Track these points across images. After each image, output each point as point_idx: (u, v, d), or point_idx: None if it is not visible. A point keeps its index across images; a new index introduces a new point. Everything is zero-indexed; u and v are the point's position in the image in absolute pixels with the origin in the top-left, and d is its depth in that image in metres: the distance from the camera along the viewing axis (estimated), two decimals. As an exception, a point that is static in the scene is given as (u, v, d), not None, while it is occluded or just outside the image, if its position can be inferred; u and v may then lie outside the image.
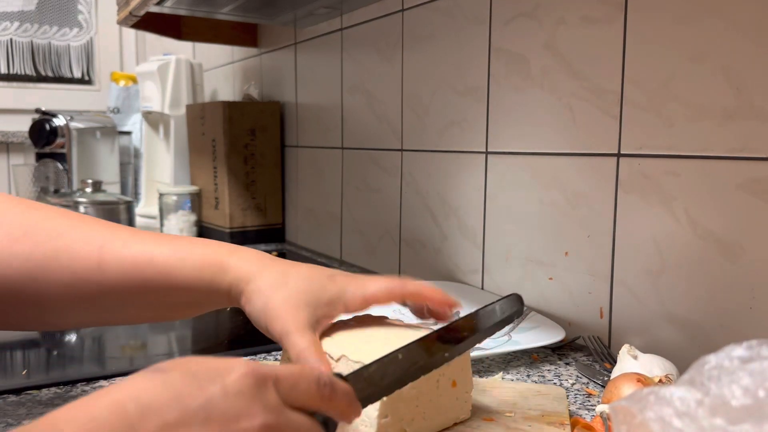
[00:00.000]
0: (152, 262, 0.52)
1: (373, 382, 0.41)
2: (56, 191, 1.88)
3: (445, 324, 0.51)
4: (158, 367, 0.32)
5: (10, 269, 0.51)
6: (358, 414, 0.39)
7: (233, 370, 0.32)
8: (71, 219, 0.54)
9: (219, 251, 0.54)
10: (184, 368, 0.32)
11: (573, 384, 0.67)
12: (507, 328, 0.80)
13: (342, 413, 0.37)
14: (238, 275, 0.53)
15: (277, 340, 0.50)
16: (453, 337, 0.49)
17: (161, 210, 1.61)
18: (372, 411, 0.47)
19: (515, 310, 0.55)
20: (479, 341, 0.52)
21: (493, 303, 0.55)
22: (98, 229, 0.54)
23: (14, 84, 2.40)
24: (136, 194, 2.09)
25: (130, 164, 2.13)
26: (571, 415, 0.57)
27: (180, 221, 1.60)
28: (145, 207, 1.87)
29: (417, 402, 0.50)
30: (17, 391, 0.63)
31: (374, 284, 0.54)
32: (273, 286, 0.51)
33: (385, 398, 0.46)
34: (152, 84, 1.77)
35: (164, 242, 0.54)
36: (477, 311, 0.53)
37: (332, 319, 0.53)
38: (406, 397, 0.48)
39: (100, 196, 1.60)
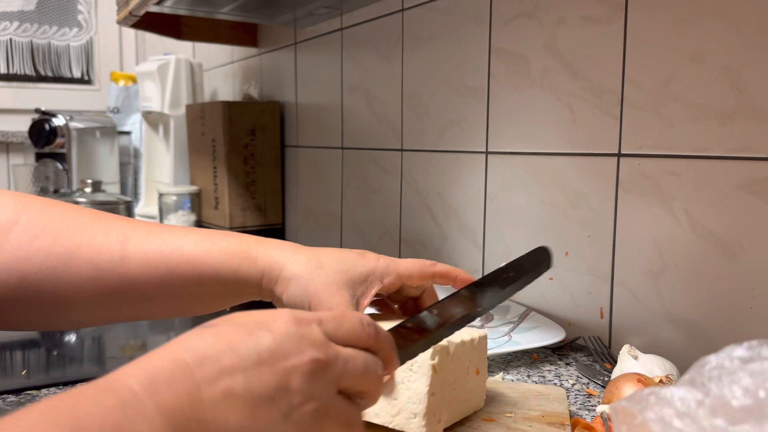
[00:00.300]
0: (177, 252, 0.52)
1: (411, 337, 0.42)
2: (56, 191, 1.88)
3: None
4: (207, 324, 0.33)
5: (30, 266, 0.50)
6: (398, 364, 0.39)
7: (278, 318, 0.34)
8: (91, 215, 0.54)
9: (246, 241, 0.54)
10: (231, 321, 0.33)
11: (573, 384, 0.67)
12: (507, 328, 0.80)
13: (386, 356, 0.38)
14: (268, 263, 0.53)
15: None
16: (483, 291, 0.50)
17: (161, 210, 1.61)
18: (422, 386, 0.47)
19: (544, 262, 0.56)
20: (509, 295, 0.53)
21: (520, 257, 0.55)
22: (119, 224, 0.53)
23: (14, 84, 2.40)
24: (136, 194, 2.09)
25: (129, 164, 2.13)
26: (571, 415, 0.57)
27: (180, 221, 1.59)
28: (145, 207, 1.87)
29: (454, 386, 0.51)
30: (17, 391, 0.63)
31: (405, 263, 0.54)
32: (309, 270, 0.52)
33: (433, 373, 0.47)
34: (152, 84, 1.77)
35: (189, 234, 0.54)
36: (504, 266, 0.54)
37: (370, 296, 0.53)
38: (447, 380, 0.50)
39: (100, 196, 1.60)
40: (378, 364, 0.36)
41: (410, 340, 0.42)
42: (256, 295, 0.54)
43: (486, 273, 0.96)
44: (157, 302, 0.54)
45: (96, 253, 0.51)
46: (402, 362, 0.40)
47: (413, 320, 0.43)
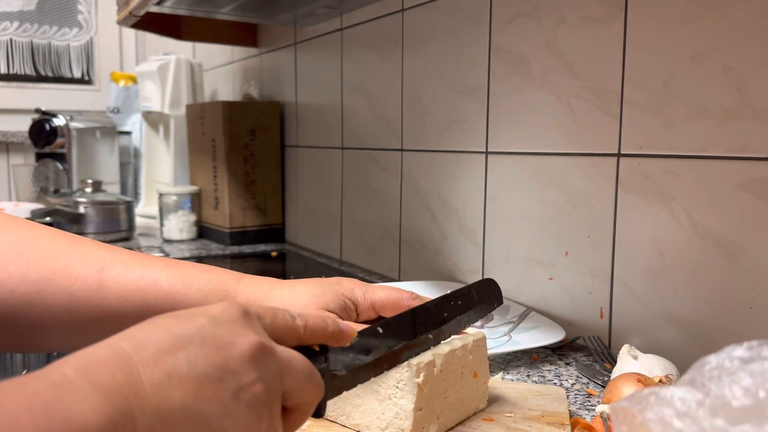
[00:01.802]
0: (156, 287, 0.51)
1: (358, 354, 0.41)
2: (56, 191, 1.88)
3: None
4: (147, 320, 0.33)
5: (4, 291, 0.49)
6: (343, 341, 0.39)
7: (217, 306, 0.34)
8: (68, 240, 0.53)
9: (225, 278, 0.54)
10: (169, 314, 0.33)
11: (573, 384, 0.67)
12: (507, 328, 0.80)
13: (326, 340, 0.38)
14: (247, 300, 0.53)
15: None
16: (429, 318, 0.49)
17: (161, 210, 1.61)
18: (407, 404, 0.48)
19: (492, 296, 0.56)
20: (460, 326, 0.52)
21: (468, 286, 0.55)
22: (97, 251, 0.52)
23: (14, 84, 2.40)
24: (136, 194, 2.09)
25: (129, 164, 2.13)
26: (571, 415, 0.57)
27: (180, 221, 1.59)
28: (145, 207, 1.87)
29: (446, 394, 0.51)
30: (17, 392, 0.62)
31: (381, 292, 0.54)
32: (287, 301, 0.52)
33: (419, 391, 0.47)
34: (152, 84, 1.77)
35: (168, 266, 0.53)
36: (450, 294, 0.53)
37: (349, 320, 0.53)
38: (436, 390, 0.50)
39: (100, 196, 1.60)
40: (317, 374, 0.36)
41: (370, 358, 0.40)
42: None
43: (485, 274, 0.96)
44: None
45: (72, 282, 0.50)
46: (344, 389, 0.39)
47: (370, 336, 0.41)
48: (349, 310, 0.54)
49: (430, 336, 0.48)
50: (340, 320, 0.39)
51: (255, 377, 0.31)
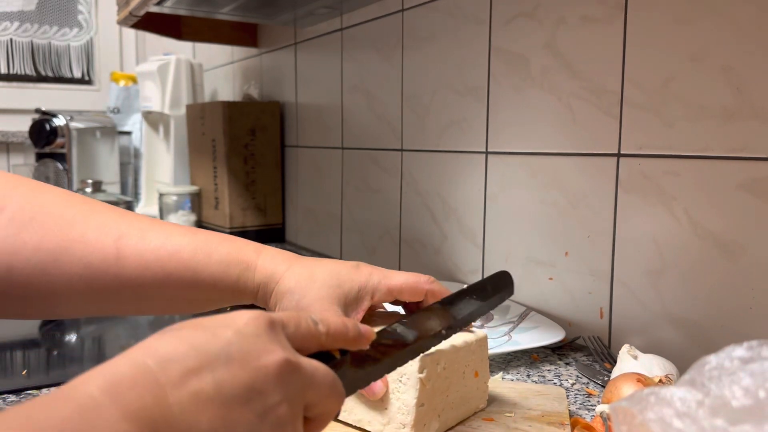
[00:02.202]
0: (176, 257, 0.50)
1: (386, 352, 0.41)
2: (56, 191, 1.88)
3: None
4: (170, 327, 0.32)
5: (17, 259, 0.48)
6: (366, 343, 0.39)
7: (242, 316, 0.33)
8: (82, 204, 0.51)
9: (246, 249, 0.53)
10: (194, 324, 0.32)
11: (573, 384, 0.67)
12: (507, 328, 0.80)
13: (347, 344, 0.37)
14: (266, 276, 0.52)
15: None
16: (456, 306, 0.50)
17: (161, 210, 1.61)
18: (410, 399, 0.48)
19: (506, 288, 0.56)
20: (483, 312, 0.53)
21: (482, 281, 0.56)
22: (113, 218, 0.51)
23: (14, 84, 2.40)
24: (136, 194, 2.09)
25: (130, 164, 2.13)
26: (571, 415, 0.57)
27: (180, 221, 1.60)
28: (145, 207, 1.87)
29: (448, 392, 0.51)
30: (17, 392, 0.63)
31: (399, 277, 0.54)
32: (302, 284, 0.51)
33: (421, 386, 0.47)
34: (152, 84, 1.77)
35: (186, 235, 0.52)
36: (467, 288, 0.54)
37: (361, 312, 0.53)
38: (439, 388, 0.50)
39: (100, 196, 1.60)
40: (340, 385, 0.35)
41: (384, 354, 0.41)
42: (251, 302, 0.54)
43: (485, 274, 0.96)
44: (151, 302, 0.53)
45: (89, 251, 0.49)
46: (373, 378, 0.40)
47: (387, 335, 0.42)
48: (363, 300, 0.53)
49: (443, 332, 0.48)
50: (359, 324, 0.39)
51: (281, 397, 0.31)
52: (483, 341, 0.55)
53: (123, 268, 0.49)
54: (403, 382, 0.49)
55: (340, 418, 0.53)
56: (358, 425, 0.52)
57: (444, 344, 0.50)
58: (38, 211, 0.49)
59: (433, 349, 0.48)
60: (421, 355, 0.47)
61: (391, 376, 0.49)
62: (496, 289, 0.55)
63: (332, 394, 0.35)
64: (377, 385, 0.49)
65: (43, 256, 0.48)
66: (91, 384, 0.27)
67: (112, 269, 0.49)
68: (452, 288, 0.56)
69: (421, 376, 0.48)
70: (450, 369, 0.51)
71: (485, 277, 0.56)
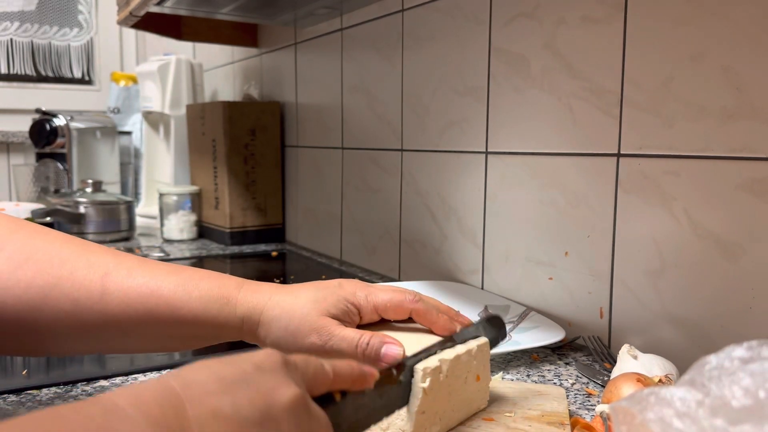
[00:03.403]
0: (157, 294, 0.52)
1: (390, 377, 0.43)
2: (56, 191, 1.88)
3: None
4: (195, 362, 0.34)
5: (11, 296, 0.50)
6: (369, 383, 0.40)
7: (260, 353, 0.35)
8: (75, 245, 0.53)
9: (227, 284, 0.54)
10: (217, 359, 0.34)
11: (573, 384, 0.67)
12: (507, 328, 0.80)
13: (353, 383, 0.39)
14: (248, 309, 0.53)
15: (319, 350, 0.51)
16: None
17: (161, 210, 1.61)
18: (411, 407, 0.48)
19: (499, 333, 0.57)
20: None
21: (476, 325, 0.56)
22: (102, 257, 0.53)
23: (14, 84, 2.40)
24: (137, 194, 2.09)
25: (130, 164, 2.13)
26: (571, 415, 0.57)
27: (180, 221, 1.60)
28: (146, 207, 1.87)
29: (449, 398, 0.51)
30: (17, 391, 0.63)
31: (384, 295, 0.54)
32: (287, 309, 0.52)
33: (424, 396, 0.48)
34: (152, 84, 1.77)
35: (170, 273, 0.53)
36: (460, 333, 0.54)
37: (351, 325, 0.54)
38: (441, 394, 0.50)
39: (101, 196, 1.60)
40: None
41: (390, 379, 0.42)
42: (236, 338, 0.55)
43: (485, 274, 0.96)
44: (135, 339, 0.54)
45: (76, 288, 0.51)
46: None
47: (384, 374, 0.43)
48: (351, 314, 0.53)
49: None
50: (362, 366, 0.40)
51: (292, 427, 0.32)
52: (485, 346, 0.55)
53: (107, 304, 0.51)
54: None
55: None
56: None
57: (446, 352, 0.50)
58: (34, 252, 0.51)
59: (435, 359, 0.49)
60: (423, 366, 0.47)
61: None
62: (487, 333, 0.56)
63: None
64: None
65: (34, 293, 0.50)
66: (117, 396, 0.29)
67: (97, 306, 0.51)
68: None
69: (424, 385, 0.48)
70: (452, 376, 0.51)
71: (480, 320, 0.57)
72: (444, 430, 0.51)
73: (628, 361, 0.61)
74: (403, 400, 0.46)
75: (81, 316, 0.51)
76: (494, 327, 0.57)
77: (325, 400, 0.37)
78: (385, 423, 0.50)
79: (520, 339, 0.76)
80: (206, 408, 0.30)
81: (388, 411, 0.43)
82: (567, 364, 0.73)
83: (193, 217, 1.62)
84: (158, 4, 1.21)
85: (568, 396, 0.63)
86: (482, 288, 0.97)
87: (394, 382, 0.44)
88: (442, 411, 0.51)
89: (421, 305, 0.54)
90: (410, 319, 0.56)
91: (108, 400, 0.29)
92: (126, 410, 0.28)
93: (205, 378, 0.31)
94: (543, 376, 0.69)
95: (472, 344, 0.54)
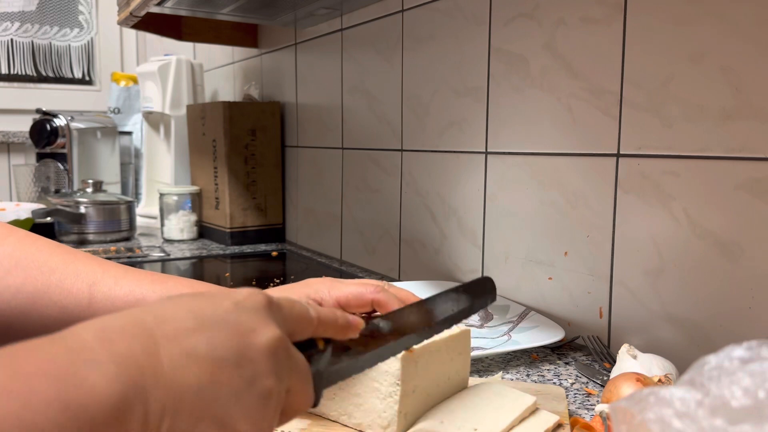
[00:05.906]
0: (142, 302, 0.52)
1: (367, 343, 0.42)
2: (57, 191, 1.88)
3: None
4: (169, 296, 0.33)
5: (0, 302, 0.50)
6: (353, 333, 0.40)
7: (242, 291, 0.34)
8: (64, 254, 0.54)
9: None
10: (193, 294, 0.33)
11: (572, 383, 0.67)
12: (506, 328, 0.80)
13: (335, 333, 0.39)
14: None
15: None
16: (435, 307, 0.50)
17: (162, 210, 1.61)
18: (394, 381, 0.49)
19: (489, 293, 0.56)
20: (462, 316, 0.52)
21: (465, 284, 0.55)
22: (90, 266, 0.53)
23: (15, 84, 2.40)
24: (137, 194, 2.09)
25: (130, 164, 2.13)
26: (570, 414, 0.57)
27: (180, 221, 1.60)
28: (146, 207, 1.87)
29: (436, 378, 0.54)
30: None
31: (346, 288, 0.55)
32: None
33: (405, 368, 0.48)
34: (153, 84, 1.77)
35: (155, 282, 0.54)
36: (448, 292, 0.53)
37: None
38: (422, 390, 0.52)
39: (101, 196, 1.60)
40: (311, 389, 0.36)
41: (365, 348, 0.41)
42: None
43: (485, 274, 0.96)
44: None
45: (65, 296, 0.51)
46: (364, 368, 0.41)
47: (367, 329, 0.42)
48: None
49: (423, 330, 0.48)
50: (347, 314, 0.40)
51: (270, 369, 0.32)
52: (466, 334, 0.57)
53: (94, 313, 0.51)
54: (382, 392, 0.50)
55: (339, 421, 0.53)
56: (357, 429, 0.52)
57: (425, 345, 0.51)
58: (23, 258, 0.52)
59: (413, 351, 0.49)
60: (402, 357, 0.48)
61: (389, 380, 0.50)
62: (478, 293, 0.55)
63: (308, 387, 0.35)
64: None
65: (23, 299, 0.51)
66: (84, 330, 0.28)
67: (85, 314, 0.51)
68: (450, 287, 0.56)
69: (405, 386, 0.50)
70: (432, 369, 0.53)
71: (469, 281, 0.56)
72: (430, 406, 0.53)
73: (628, 360, 0.61)
74: (389, 352, 0.44)
75: (68, 323, 0.50)
76: (483, 286, 0.56)
77: (307, 346, 0.36)
78: (385, 421, 0.50)
79: (519, 338, 0.76)
80: (180, 346, 0.29)
81: (371, 363, 0.42)
82: (566, 363, 0.73)
83: (193, 217, 1.62)
84: (159, 4, 1.21)
85: (567, 396, 0.63)
86: (482, 288, 0.97)
87: (378, 337, 0.43)
88: (422, 404, 0.52)
89: (382, 296, 0.54)
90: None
91: (73, 335, 0.27)
92: (93, 348, 0.27)
93: (181, 314, 0.30)
94: (542, 376, 0.69)
95: (451, 335, 0.55)
